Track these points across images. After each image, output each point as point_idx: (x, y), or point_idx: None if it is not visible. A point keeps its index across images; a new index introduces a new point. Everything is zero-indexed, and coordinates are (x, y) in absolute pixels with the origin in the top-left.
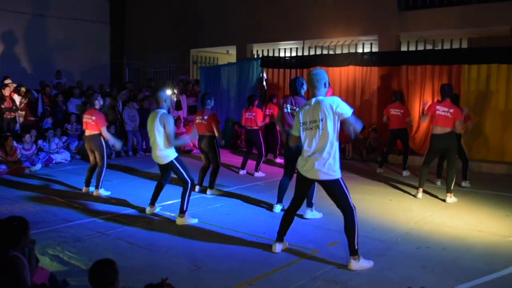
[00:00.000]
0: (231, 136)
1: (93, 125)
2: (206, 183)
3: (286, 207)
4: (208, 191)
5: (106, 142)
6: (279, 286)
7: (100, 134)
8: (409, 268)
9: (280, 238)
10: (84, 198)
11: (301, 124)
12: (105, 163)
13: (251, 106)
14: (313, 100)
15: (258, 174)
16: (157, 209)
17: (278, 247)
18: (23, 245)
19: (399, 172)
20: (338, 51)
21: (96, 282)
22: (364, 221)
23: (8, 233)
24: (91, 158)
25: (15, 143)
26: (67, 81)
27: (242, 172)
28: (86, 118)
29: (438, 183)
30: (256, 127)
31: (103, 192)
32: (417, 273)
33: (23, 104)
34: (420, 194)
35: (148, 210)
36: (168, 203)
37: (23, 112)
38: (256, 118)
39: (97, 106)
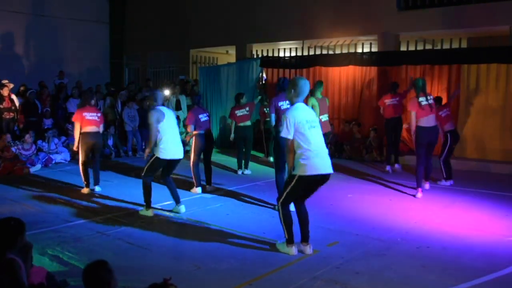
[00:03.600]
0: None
1: (98, 121)
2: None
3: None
4: (209, 187)
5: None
6: (279, 286)
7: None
8: (409, 268)
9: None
10: (83, 198)
11: (306, 122)
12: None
13: (238, 104)
14: (300, 103)
15: (248, 171)
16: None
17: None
18: (19, 246)
19: (399, 171)
20: (338, 51)
21: (91, 284)
22: (364, 221)
23: (6, 233)
24: (87, 155)
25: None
26: (68, 81)
27: (240, 172)
28: (90, 116)
29: (443, 182)
30: (249, 123)
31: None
32: (417, 273)
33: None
34: (419, 194)
35: (180, 209)
36: (168, 203)
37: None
38: (250, 113)
39: (93, 104)
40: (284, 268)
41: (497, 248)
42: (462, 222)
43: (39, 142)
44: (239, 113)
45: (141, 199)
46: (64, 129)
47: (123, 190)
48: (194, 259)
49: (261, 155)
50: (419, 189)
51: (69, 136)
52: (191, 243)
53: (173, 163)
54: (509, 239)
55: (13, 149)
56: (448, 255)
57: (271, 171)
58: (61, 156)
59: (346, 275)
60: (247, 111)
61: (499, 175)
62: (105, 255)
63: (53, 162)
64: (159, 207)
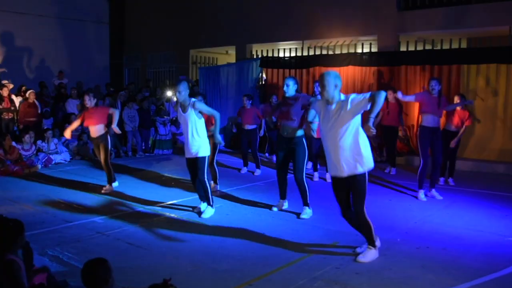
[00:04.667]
0: (231, 137)
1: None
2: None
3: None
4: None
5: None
6: (279, 286)
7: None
8: (408, 268)
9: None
10: (83, 199)
11: None
12: None
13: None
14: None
15: (257, 172)
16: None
17: None
18: (20, 247)
19: (399, 173)
20: (338, 51)
21: (90, 282)
22: None
23: (5, 234)
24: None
25: (13, 143)
26: (68, 81)
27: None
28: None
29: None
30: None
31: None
32: (416, 273)
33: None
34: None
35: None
36: (168, 203)
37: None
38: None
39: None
40: (284, 268)
41: (497, 248)
42: (462, 222)
43: (39, 142)
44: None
45: (140, 199)
46: (63, 129)
47: (123, 190)
48: (194, 259)
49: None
50: (420, 190)
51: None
52: (191, 243)
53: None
54: (509, 239)
55: (17, 151)
56: (448, 255)
57: (271, 171)
58: (61, 157)
59: (346, 276)
60: None
61: (499, 175)
62: (105, 255)
63: (53, 162)
64: (160, 207)
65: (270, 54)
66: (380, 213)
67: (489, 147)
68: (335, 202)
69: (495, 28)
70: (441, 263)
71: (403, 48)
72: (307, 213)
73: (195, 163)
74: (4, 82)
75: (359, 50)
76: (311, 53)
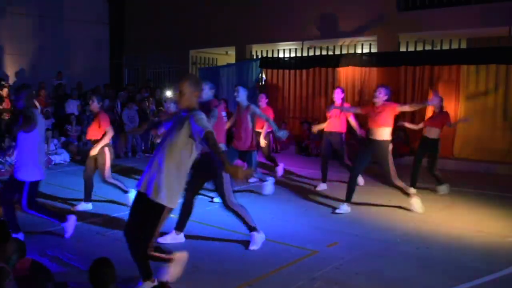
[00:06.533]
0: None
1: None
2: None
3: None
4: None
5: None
6: (279, 286)
7: None
8: (408, 268)
9: None
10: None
11: None
12: None
13: None
14: None
15: None
16: None
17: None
18: (8, 254)
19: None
20: (337, 52)
21: (99, 281)
22: (363, 222)
23: None
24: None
25: (13, 144)
26: (67, 82)
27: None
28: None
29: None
30: None
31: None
32: (416, 273)
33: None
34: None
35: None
36: None
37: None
38: None
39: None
40: (284, 269)
41: (497, 248)
42: (462, 222)
43: None
44: None
45: None
46: (63, 130)
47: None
48: (194, 260)
49: None
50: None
51: (69, 137)
52: (190, 244)
53: None
54: (509, 239)
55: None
56: (448, 255)
57: None
58: (61, 157)
59: (345, 276)
60: None
61: (498, 175)
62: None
63: (53, 163)
64: None
65: (270, 55)
66: (379, 214)
67: (489, 148)
68: (334, 203)
69: (495, 28)
70: (441, 263)
71: (403, 49)
72: None
73: None
74: (3, 82)
75: (359, 51)
76: (311, 53)
